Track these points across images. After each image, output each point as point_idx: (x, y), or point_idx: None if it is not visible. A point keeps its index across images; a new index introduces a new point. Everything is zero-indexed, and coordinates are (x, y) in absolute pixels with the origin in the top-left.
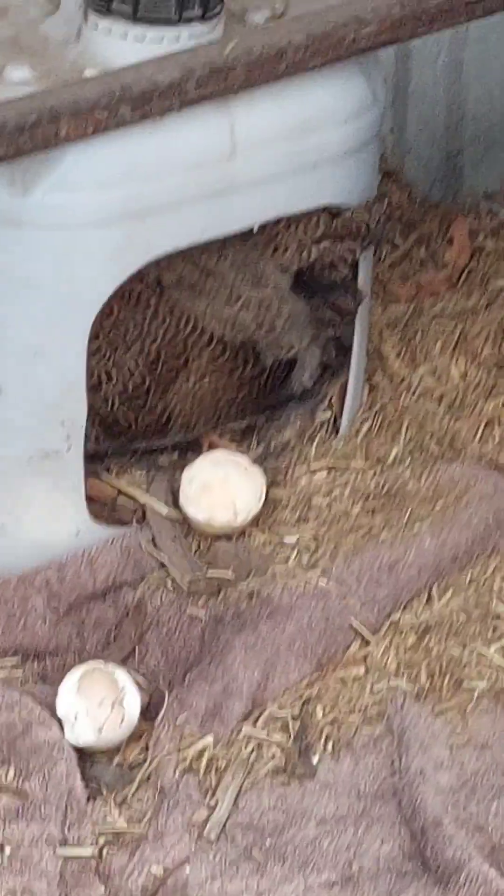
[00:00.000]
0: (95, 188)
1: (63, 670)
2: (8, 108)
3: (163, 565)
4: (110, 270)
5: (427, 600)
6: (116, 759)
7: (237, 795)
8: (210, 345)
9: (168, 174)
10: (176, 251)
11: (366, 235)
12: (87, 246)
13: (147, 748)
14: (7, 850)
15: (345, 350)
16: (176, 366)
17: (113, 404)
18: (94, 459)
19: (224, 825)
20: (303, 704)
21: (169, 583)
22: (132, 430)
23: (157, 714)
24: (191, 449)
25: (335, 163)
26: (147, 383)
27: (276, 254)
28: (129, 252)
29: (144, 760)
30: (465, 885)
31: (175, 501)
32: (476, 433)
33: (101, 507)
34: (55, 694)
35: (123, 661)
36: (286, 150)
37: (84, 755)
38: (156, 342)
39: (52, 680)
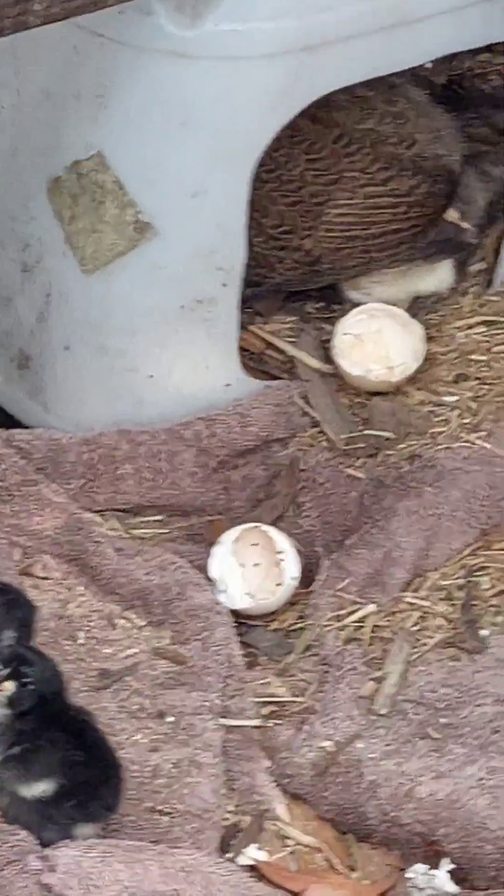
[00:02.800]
0: (269, 18)
1: (210, 529)
2: None
3: (316, 423)
4: (279, 106)
5: None
6: (272, 626)
7: (405, 668)
8: (359, 154)
9: (342, 6)
10: (347, 85)
11: None
12: (258, 79)
13: (303, 615)
14: (169, 718)
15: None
16: (327, 186)
17: (263, 243)
18: (242, 309)
19: (394, 699)
20: (467, 575)
21: (323, 441)
22: (280, 271)
23: (313, 579)
24: (336, 300)
25: None
26: (296, 211)
27: (416, 66)
28: (299, 87)
29: (301, 628)
30: None
31: (326, 355)
32: None
33: (250, 359)
34: (205, 554)
35: (275, 523)
36: None
37: (238, 620)
38: (300, 165)
39: (199, 539)
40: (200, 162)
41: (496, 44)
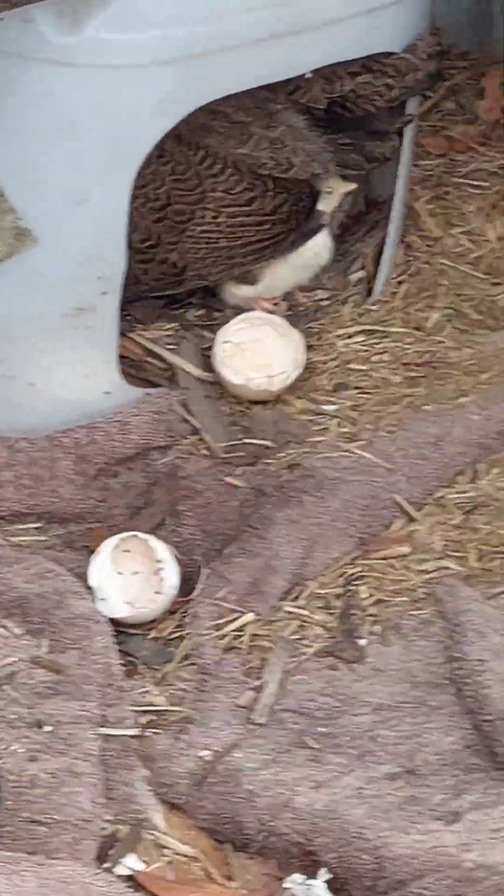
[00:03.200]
0: (151, 27)
1: (89, 537)
2: None
3: (196, 431)
4: (161, 114)
5: (473, 477)
6: (151, 634)
7: (283, 677)
8: (224, 175)
9: (225, 16)
10: (227, 94)
11: (407, 75)
12: (139, 88)
13: (182, 624)
14: (47, 728)
15: (378, 206)
16: (191, 206)
17: (130, 256)
18: (122, 316)
19: (272, 709)
20: (346, 583)
21: (203, 449)
22: (145, 281)
23: (192, 588)
24: (217, 307)
25: (390, 8)
26: (161, 227)
27: (295, 94)
28: (181, 96)
29: (181, 636)
30: None
31: (206, 363)
32: None
33: (130, 367)
34: (84, 562)
35: (153, 531)
36: None
37: (117, 629)
38: (166, 184)
39: (78, 547)
40: (82, 170)
41: (374, 62)
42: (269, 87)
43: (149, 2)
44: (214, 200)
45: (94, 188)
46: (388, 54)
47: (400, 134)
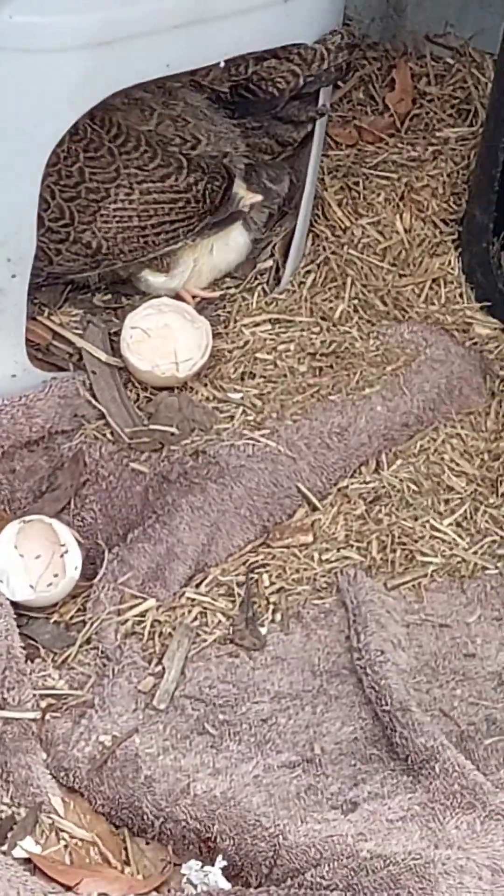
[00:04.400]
0: (67, 11)
1: None
2: None
3: (102, 415)
4: (74, 99)
5: (376, 468)
6: (53, 618)
7: (184, 664)
8: (137, 151)
9: (139, 2)
10: (141, 82)
11: (313, 64)
12: (53, 73)
13: (84, 608)
14: None
15: (288, 196)
16: (104, 183)
17: (43, 236)
18: (30, 297)
19: (173, 695)
20: (248, 571)
21: (108, 434)
22: (59, 262)
23: (95, 573)
24: (125, 293)
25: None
26: (75, 206)
27: (196, 74)
28: (95, 81)
29: (83, 621)
30: (439, 776)
31: (113, 348)
32: (422, 292)
33: (36, 350)
34: None
35: (57, 514)
36: None
37: (19, 612)
38: (79, 161)
39: None
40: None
41: (282, 50)
42: None
43: None
44: (128, 177)
45: (4, 172)
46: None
47: (311, 121)
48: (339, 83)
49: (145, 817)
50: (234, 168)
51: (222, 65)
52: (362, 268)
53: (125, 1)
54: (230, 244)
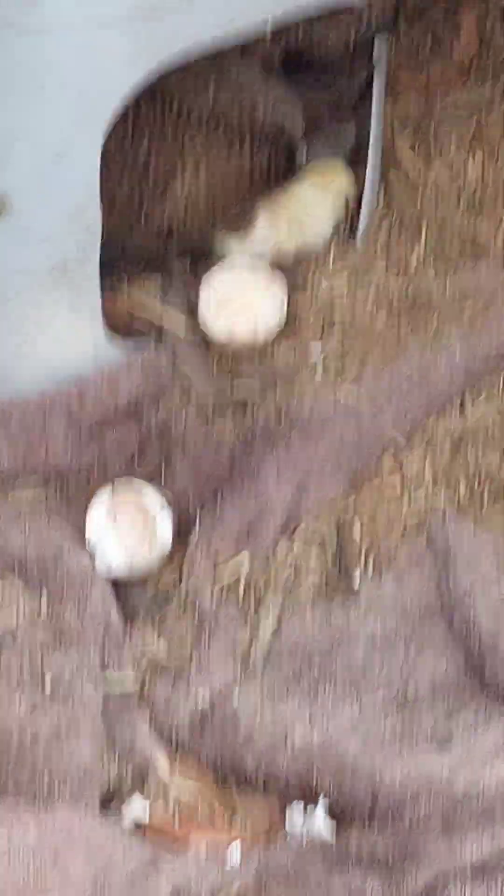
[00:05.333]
0: None
1: (87, 493)
2: None
3: (185, 383)
4: (129, 68)
5: (461, 409)
6: (151, 584)
7: (279, 618)
8: (202, 131)
9: None
10: (190, 50)
11: (364, 18)
12: (102, 46)
13: (181, 571)
14: (48, 681)
15: (357, 146)
16: (170, 165)
17: (114, 219)
18: (107, 272)
19: (269, 649)
20: (339, 521)
21: (193, 400)
22: (130, 245)
23: (189, 535)
24: (203, 256)
25: None
26: (140, 191)
27: (245, 50)
28: (147, 48)
29: (178, 584)
30: None
31: (193, 315)
32: (498, 234)
33: (118, 323)
34: (82, 518)
35: (149, 482)
36: None
37: (116, 580)
38: (143, 144)
39: (76, 503)
40: (59, 127)
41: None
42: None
43: None
44: (192, 159)
45: (68, 146)
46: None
47: (369, 72)
48: (403, 33)
49: (248, 770)
50: (297, 130)
51: (269, 26)
52: (437, 213)
53: None
54: (316, 223)
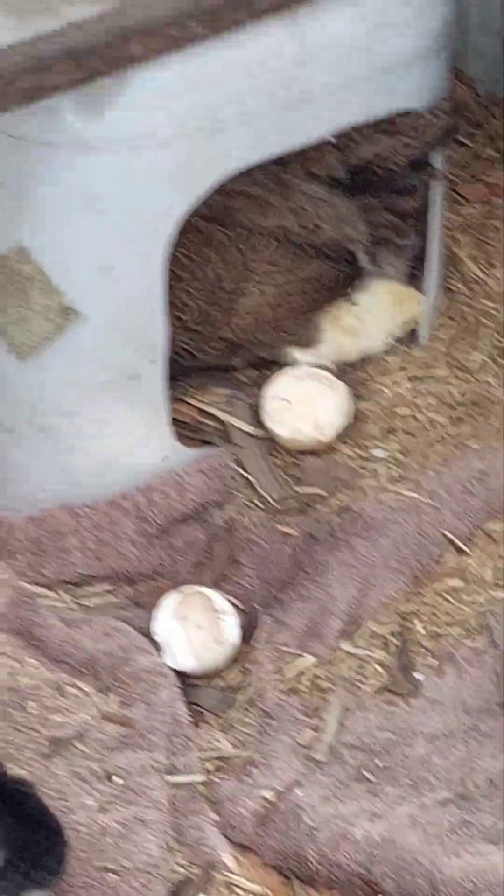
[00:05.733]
0: (168, 106)
1: (156, 594)
2: (78, 30)
3: (250, 485)
4: (186, 187)
5: None
6: (217, 683)
7: (342, 715)
8: (267, 248)
9: (239, 88)
10: (249, 166)
11: (423, 132)
12: (163, 164)
13: (246, 670)
14: (116, 779)
15: (418, 256)
16: (238, 282)
17: (184, 334)
18: (175, 381)
19: (332, 746)
20: (401, 620)
21: (258, 502)
22: (200, 358)
23: (254, 635)
24: (270, 365)
25: (407, 66)
26: (210, 307)
27: (308, 164)
28: (202, 169)
29: (245, 683)
30: None
31: (258, 419)
32: None
33: (185, 430)
34: (150, 619)
35: (216, 583)
36: (357, 56)
37: (184, 680)
38: (211, 262)
39: (146, 604)
40: (113, 246)
41: (390, 125)
42: (283, 162)
43: (164, 81)
44: (259, 274)
45: (125, 263)
46: (407, 113)
47: (427, 186)
48: (468, 141)
49: (311, 865)
50: (360, 246)
51: (332, 140)
52: (498, 317)
53: (220, 91)
54: (374, 332)
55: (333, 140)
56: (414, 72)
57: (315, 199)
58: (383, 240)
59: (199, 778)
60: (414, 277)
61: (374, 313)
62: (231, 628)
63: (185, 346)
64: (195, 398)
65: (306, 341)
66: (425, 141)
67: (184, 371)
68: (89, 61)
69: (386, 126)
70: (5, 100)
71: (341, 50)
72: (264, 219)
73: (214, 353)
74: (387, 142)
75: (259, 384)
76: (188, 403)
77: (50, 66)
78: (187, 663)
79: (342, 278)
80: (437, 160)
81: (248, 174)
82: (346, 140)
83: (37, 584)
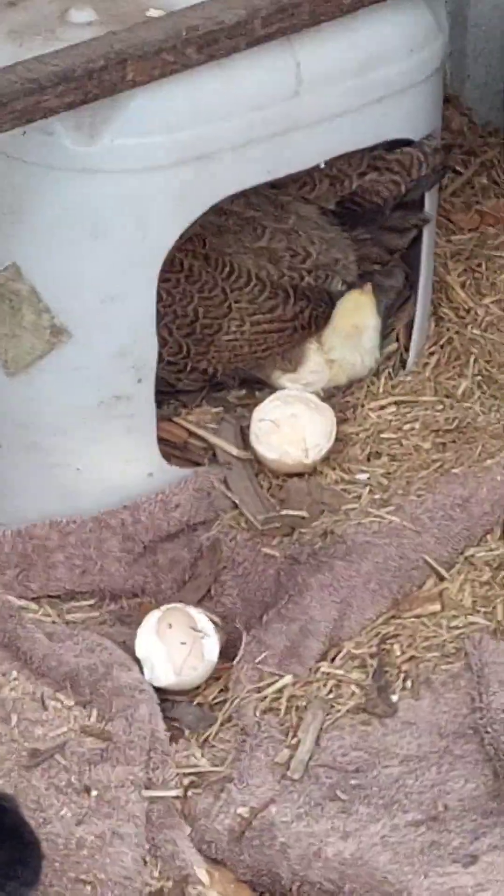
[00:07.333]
0: (163, 131)
1: (139, 611)
2: (74, 53)
3: (236, 505)
4: (178, 212)
5: (501, 535)
6: (196, 700)
7: (319, 734)
8: (248, 287)
9: (234, 114)
10: (242, 191)
11: (412, 169)
12: (156, 189)
13: (226, 688)
14: (94, 792)
15: (412, 281)
16: (217, 319)
17: (163, 367)
18: (163, 401)
19: (307, 765)
20: (380, 642)
21: (242, 523)
22: (180, 386)
23: (235, 654)
24: (259, 386)
25: (401, 96)
26: (191, 340)
27: (303, 189)
28: (196, 193)
29: (224, 701)
30: None
31: (245, 441)
32: None
33: (173, 449)
34: (133, 635)
35: (199, 602)
36: (351, 85)
37: (164, 696)
38: (193, 301)
39: (129, 621)
40: (109, 268)
41: (381, 161)
42: (277, 184)
43: (159, 106)
44: (239, 311)
45: (121, 285)
46: (394, 149)
47: (417, 230)
48: (461, 169)
49: (283, 882)
50: (346, 276)
51: (323, 166)
52: (485, 345)
53: (216, 116)
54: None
55: (325, 167)
56: (407, 101)
57: (307, 220)
58: (368, 274)
59: (175, 793)
60: (401, 304)
61: (350, 337)
62: (211, 646)
63: (166, 378)
64: (184, 418)
65: (292, 367)
66: (414, 178)
67: (169, 394)
68: (84, 84)
69: (376, 162)
70: (1, 121)
71: (335, 79)
72: (254, 240)
73: (192, 383)
74: (374, 176)
75: (248, 405)
76: (176, 423)
77: (45, 88)
78: (167, 680)
79: (318, 319)
80: (430, 202)
81: (242, 196)
82: (336, 170)
83: (23, 597)
